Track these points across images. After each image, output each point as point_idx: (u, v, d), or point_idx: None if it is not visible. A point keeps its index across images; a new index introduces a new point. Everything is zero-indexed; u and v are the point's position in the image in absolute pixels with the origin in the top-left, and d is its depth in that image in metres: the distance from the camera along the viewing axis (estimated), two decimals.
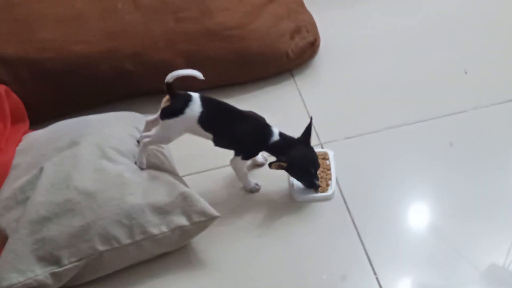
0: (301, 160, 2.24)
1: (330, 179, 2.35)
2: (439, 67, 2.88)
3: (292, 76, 2.92)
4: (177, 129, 2.19)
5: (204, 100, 2.17)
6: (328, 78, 2.91)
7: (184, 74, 2.09)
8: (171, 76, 2.08)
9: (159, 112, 2.19)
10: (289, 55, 2.87)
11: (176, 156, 2.47)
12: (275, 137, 2.23)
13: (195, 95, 2.17)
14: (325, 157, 2.43)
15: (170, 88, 2.12)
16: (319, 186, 2.32)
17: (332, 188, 2.32)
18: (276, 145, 2.24)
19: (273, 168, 2.22)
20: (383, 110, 2.67)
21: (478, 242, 2.12)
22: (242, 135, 2.23)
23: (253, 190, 2.37)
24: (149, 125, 2.28)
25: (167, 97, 2.15)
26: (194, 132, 2.21)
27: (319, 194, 2.31)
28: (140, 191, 2.14)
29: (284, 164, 2.20)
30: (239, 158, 2.28)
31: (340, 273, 2.08)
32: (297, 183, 2.35)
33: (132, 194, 2.12)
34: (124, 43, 2.76)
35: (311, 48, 2.95)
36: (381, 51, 3.02)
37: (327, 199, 2.31)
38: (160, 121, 2.17)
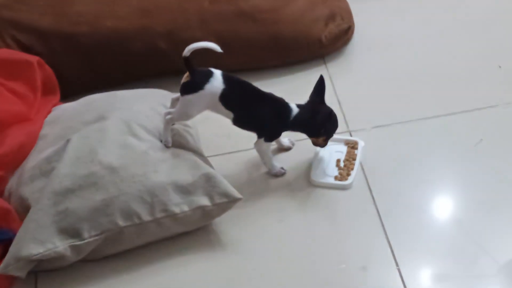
0: (330, 111, 2.23)
1: (352, 169, 2.33)
2: (472, 61, 2.82)
3: (324, 62, 2.88)
4: (196, 105, 2.18)
5: (227, 78, 2.15)
6: (360, 66, 2.87)
7: (201, 47, 2.06)
8: (188, 50, 2.06)
9: None
10: (322, 41, 2.83)
11: (203, 136, 2.45)
12: (294, 111, 2.21)
13: (217, 72, 2.15)
14: (355, 146, 2.40)
15: (188, 63, 2.09)
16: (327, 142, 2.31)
17: (352, 179, 2.29)
18: (298, 117, 2.21)
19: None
20: (413, 101, 2.63)
21: (500, 236, 2.10)
22: (263, 115, 2.21)
23: (278, 174, 2.34)
24: (174, 103, 2.27)
25: (188, 72, 2.13)
26: (214, 109, 2.20)
27: (337, 182, 2.29)
28: (163, 169, 2.13)
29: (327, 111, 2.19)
30: (262, 140, 2.26)
31: (360, 263, 2.05)
32: (316, 166, 2.33)
33: (155, 171, 2.12)
34: (158, 20, 2.74)
35: (345, 35, 2.91)
36: (415, 43, 2.96)
37: (344, 188, 2.28)
38: (180, 97, 2.17)
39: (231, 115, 2.19)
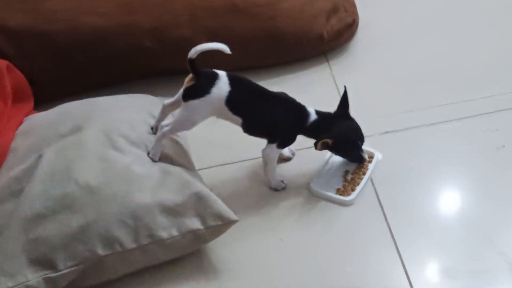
0: (347, 134, 2.16)
1: (358, 184, 2.19)
2: (491, 57, 2.71)
3: (327, 60, 2.80)
4: (202, 112, 2.07)
5: (233, 79, 2.05)
6: (366, 63, 2.78)
7: (209, 48, 1.96)
8: (195, 51, 1.96)
9: (178, 94, 2.09)
10: (324, 37, 2.75)
11: (193, 146, 2.35)
12: (312, 116, 2.14)
13: (222, 73, 2.05)
14: (370, 159, 2.28)
15: (194, 65, 1.99)
16: (366, 159, 2.24)
17: (355, 195, 2.16)
18: (315, 125, 2.13)
19: (318, 149, 2.11)
20: (426, 102, 2.52)
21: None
22: (276, 118, 2.12)
23: (278, 188, 2.23)
24: (166, 109, 2.17)
25: (190, 75, 2.03)
26: (220, 115, 2.10)
27: (336, 196, 2.17)
28: (149, 187, 2.00)
29: (330, 141, 2.08)
30: (273, 146, 2.15)
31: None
32: (321, 174, 2.24)
33: (140, 190, 1.98)
34: (142, 17, 2.65)
35: (348, 30, 2.84)
36: (426, 36, 2.88)
37: (343, 204, 2.16)
38: (183, 103, 2.05)
39: (240, 120, 2.10)
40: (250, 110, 2.09)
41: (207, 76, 2.03)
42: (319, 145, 2.07)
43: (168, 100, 2.16)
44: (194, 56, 1.96)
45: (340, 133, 2.11)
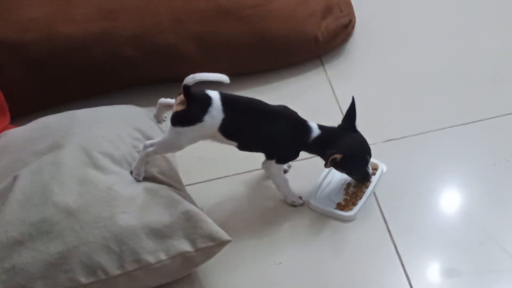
0: (355, 148, 2.06)
1: (361, 197, 2.10)
2: (498, 58, 2.61)
3: (322, 63, 2.71)
4: (191, 138, 2.00)
5: (226, 102, 1.96)
6: (365, 66, 2.68)
7: (208, 79, 1.87)
8: (193, 80, 1.86)
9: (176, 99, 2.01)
10: (319, 38, 2.65)
11: (181, 160, 2.25)
12: (315, 132, 2.04)
13: (215, 96, 1.95)
14: (373, 170, 2.19)
15: (188, 91, 1.90)
16: (371, 177, 2.14)
17: (356, 210, 2.07)
18: (319, 141, 2.03)
19: (327, 167, 2.03)
20: (430, 107, 2.43)
21: None
22: (273, 137, 2.04)
23: (295, 204, 2.14)
24: (162, 109, 2.07)
25: (181, 97, 1.93)
26: (213, 139, 2.03)
27: (336, 211, 2.08)
28: (134, 209, 1.91)
29: (339, 156, 1.97)
30: (272, 162, 2.08)
31: None
32: (320, 188, 2.16)
33: (124, 212, 1.89)
34: (123, 23, 2.56)
35: (344, 30, 2.73)
36: (430, 36, 2.78)
37: (344, 219, 2.07)
38: (171, 127, 1.96)
39: (234, 143, 2.03)
40: (245, 133, 2.03)
41: (200, 102, 1.94)
42: (328, 163, 1.99)
43: (165, 100, 2.05)
44: (190, 84, 1.88)
45: (349, 147, 2.03)
